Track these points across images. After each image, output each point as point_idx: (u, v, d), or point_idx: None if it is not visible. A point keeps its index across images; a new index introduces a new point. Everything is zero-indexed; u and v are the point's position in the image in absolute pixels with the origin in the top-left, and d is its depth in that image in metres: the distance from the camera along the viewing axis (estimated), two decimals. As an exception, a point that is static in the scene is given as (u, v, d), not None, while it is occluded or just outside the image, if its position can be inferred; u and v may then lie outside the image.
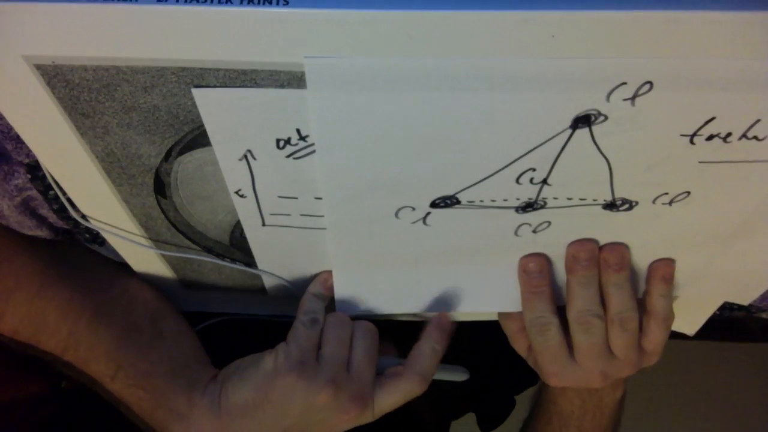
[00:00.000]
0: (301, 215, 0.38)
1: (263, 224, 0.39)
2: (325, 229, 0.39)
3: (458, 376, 0.50)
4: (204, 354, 0.46)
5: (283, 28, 0.26)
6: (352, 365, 0.41)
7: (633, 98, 0.29)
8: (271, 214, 0.38)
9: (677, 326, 0.49)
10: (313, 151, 0.33)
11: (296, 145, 0.33)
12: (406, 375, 0.42)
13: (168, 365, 0.43)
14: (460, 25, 0.26)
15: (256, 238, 0.41)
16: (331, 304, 0.45)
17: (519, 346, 0.48)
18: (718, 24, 0.25)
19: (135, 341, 0.43)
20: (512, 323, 0.47)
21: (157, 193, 0.38)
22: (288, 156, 0.33)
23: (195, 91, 0.30)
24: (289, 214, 0.38)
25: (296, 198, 0.37)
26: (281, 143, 0.32)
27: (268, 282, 0.46)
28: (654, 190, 0.35)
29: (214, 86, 0.29)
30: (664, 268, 0.42)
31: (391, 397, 0.42)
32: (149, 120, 0.32)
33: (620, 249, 0.40)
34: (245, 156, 0.34)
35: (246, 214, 0.38)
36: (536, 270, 0.42)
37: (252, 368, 0.41)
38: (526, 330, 0.44)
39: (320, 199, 0.36)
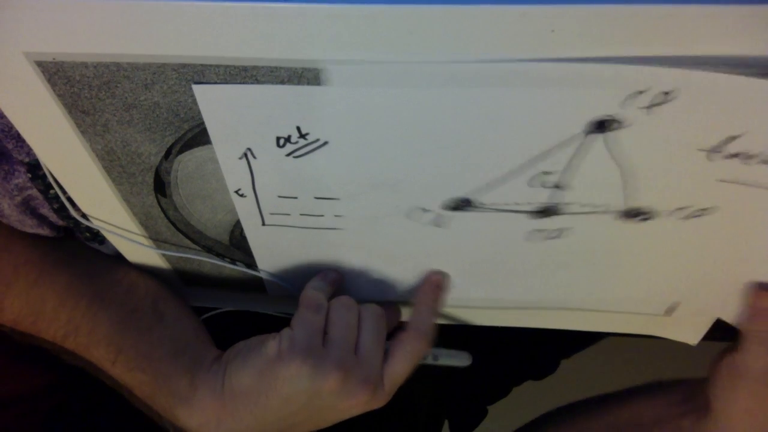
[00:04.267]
0: (301, 215, 0.38)
1: (263, 224, 0.39)
2: (325, 229, 0.39)
3: (461, 360, 0.49)
4: (206, 335, 0.45)
5: (284, 24, 0.26)
6: (360, 349, 0.40)
7: (649, 107, 0.28)
8: (271, 214, 0.38)
9: (679, 337, 0.49)
10: (313, 150, 0.33)
11: (296, 143, 0.33)
12: (410, 336, 0.41)
13: (169, 347, 0.42)
14: (459, 20, 0.26)
15: (255, 237, 0.41)
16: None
17: None
18: (718, 18, 0.25)
19: (135, 324, 0.42)
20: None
21: (157, 191, 0.38)
22: (288, 155, 0.33)
23: (195, 88, 0.30)
24: (288, 214, 0.38)
25: (296, 198, 0.37)
26: (281, 141, 0.32)
27: (268, 281, 0.46)
28: (670, 202, 0.35)
29: (215, 83, 0.29)
30: None
31: (402, 363, 0.41)
32: (149, 117, 0.32)
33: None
34: (245, 154, 0.34)
35: (246, 213, 0.38)
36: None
37: (255, 353, 0.40)
38: None
39: (320, 198, 0.36)
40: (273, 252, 0.43)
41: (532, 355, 0.66)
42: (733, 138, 0.30)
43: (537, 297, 0.46)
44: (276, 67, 0.28)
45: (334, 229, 0.39)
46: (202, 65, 0.29)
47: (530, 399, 0.76)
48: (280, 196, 0.37)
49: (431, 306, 0.43)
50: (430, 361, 0.48)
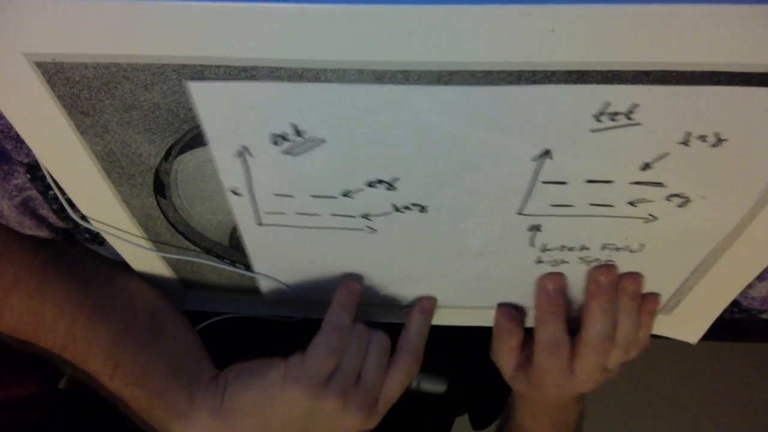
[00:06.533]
0: (297, 214, 0.38)
1: (259, 223, 0.39)
2: (321, 228, 0.39)
3: (438, 387, 0.53)
4: (204, 352, 0.46)
5: (284, 24, 0.26)
6: (363, 376, 0.42)
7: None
8: (267, 213, 0.38)
9: (679, 335, 0.49)
10: (310, 148, 0.33)
11: (293, 141, 0.32)
12: (401, 358, 0.44)
13: (167, 363, 0.43)
14: (459, 20, 0.26)
15: (252, 238, 0.41)
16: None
17: (507, 362, 0.49)
18: (720, 19, 0.25)
19: (133, 339, 0.43)
20: (511, 339, 0.47)
21: (156, 193, 0.38)
22: (284, 152, 0.33)
23: (191, 85, 0.29)
24: (285, 213, 0.38)
25: (292, 196, 0.36)
26: (278, 139, 0.32)
27: (265, 285, 0.46)
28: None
29: (211, 80, 0.29)
30: (652, 304, 0.44)
31: (395, 386, 0.43)
32: (149, 118, 0.32)
33: (638, 279, 0.42)
34: (241, 153, 0.33)
35: (242, 212, 0.38)
36: (555, 289, 0.43)
37: (258, 376, 0.41)
38: (536, 349, 0.45)
39: (316, 197, 0.36)
40: (269, 253, 0.42)
41: None
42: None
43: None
44: (276, 68, 0.28)
45: (331, 228, 0.39)
46: (201, 65, 0.29)
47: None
48: (276, 195, 0.36)
49: (419, 328, 0.45)
50: (413, 386, 0.51)
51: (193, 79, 0.29)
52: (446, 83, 0.29)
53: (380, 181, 0.35)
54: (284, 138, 0.32)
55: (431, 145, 0.32)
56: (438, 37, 0.26)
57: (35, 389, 0.48)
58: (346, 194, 0.36)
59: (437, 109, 0.30)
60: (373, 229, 0.39)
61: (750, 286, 0.43)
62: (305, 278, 0.45)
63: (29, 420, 0.47)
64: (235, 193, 0.36)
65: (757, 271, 0.40)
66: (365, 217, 0.38)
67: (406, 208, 0.37)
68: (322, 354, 0.41)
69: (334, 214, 0.38)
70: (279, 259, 0.43)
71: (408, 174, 0.34)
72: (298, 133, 0.32)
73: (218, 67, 0.28)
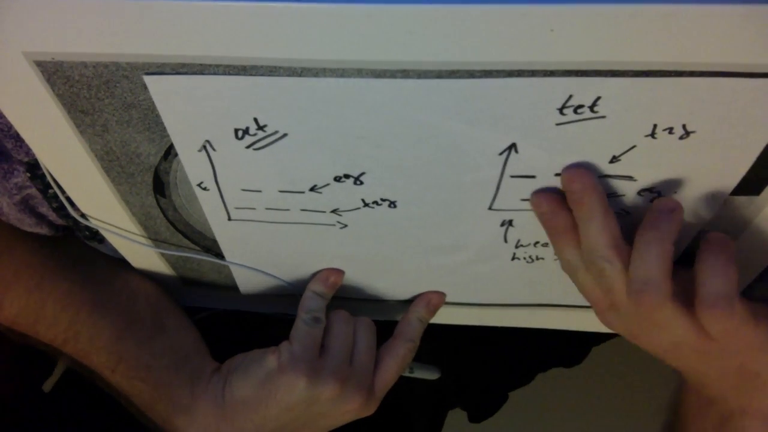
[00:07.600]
0: (267, 209, 0.38)
1: (229, 218, 0.39)
2: (291, 223, 0.39)
3: (430, 374, 0.53)
4: (205, 347, 0.46)
5: (283, 23, 0.26)
6: (354, 359, 0.43)
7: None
8: (237, 208, 0.38)
9: None
10: (273, 142, 0.32)
11: (255, 135, 0.32)
12: (399, 344, 0.45)
13: (169, 358, 0.43)
14: (459, 20, 0.26)
15: (223, 233, 0.40)
16: (331, 302, 0.45)
17: None
18: (719, 19, 0.25)
19: (136, 334, 0.43)
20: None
21: (156, 192, 0.38)
22: (248, 147, 0.33)
23: (147, 78, 0.29)
24: (254, 208, 0.38)
25: (260, 191, 0.36)
26: (240, 133, 0.32)
27: (240, 277, 0.46)
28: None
29: (169, 73, 0.29)
30: None
31: (390, 370, 0.44)
32: (149, 117, 0.32)
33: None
34: (204, 146, 0.33)
35: (211, 208, 0.38)
36: (547, 210, 0.35)
37: (255, 365, 0.42)
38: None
39: (284, 192, 0.36)
40: (242, 248, 0.42)
41: (562, 341, 0.65)
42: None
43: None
44: (275, 67, 0.28)
45: (301, 223, 0.39)
46: (201, 65, 0.29)
47: (551, 385, 0.76)
48: (243, 190, 0.36)
49: (420, 317, 0.46)
50: (406, 373, 0.50)
51: (148, 73, 0.29)
52: (407, 76, 0.28)
53: (347, 176, 0.35)
54: (247, 132, 0.32)
55: (395, 138, 0.32)
56: (438, 37, 0.26)
57: (22, 388, 0.48)
58: (313, 189, 0.36)
59: (398, 102, 0.30)
60: (343, 224, 0.39)
61: (750, 286, 0.43)
62: (279, 274, 0.45)
63: (14, 420, 0.47)
64: (202, 188, 0.36)
65: (757, 271, 0.40)
66: (335, 212, 0.38)
67: (375, 203, 0.37)
68: (302, 333, 0.42)
69: (303, 209, 0.38)
70: (252, 254, 0.43)
71: (374, 168, 0.34)
72: (260, 127, 0.32)
73: (217, 66, 0.28)
